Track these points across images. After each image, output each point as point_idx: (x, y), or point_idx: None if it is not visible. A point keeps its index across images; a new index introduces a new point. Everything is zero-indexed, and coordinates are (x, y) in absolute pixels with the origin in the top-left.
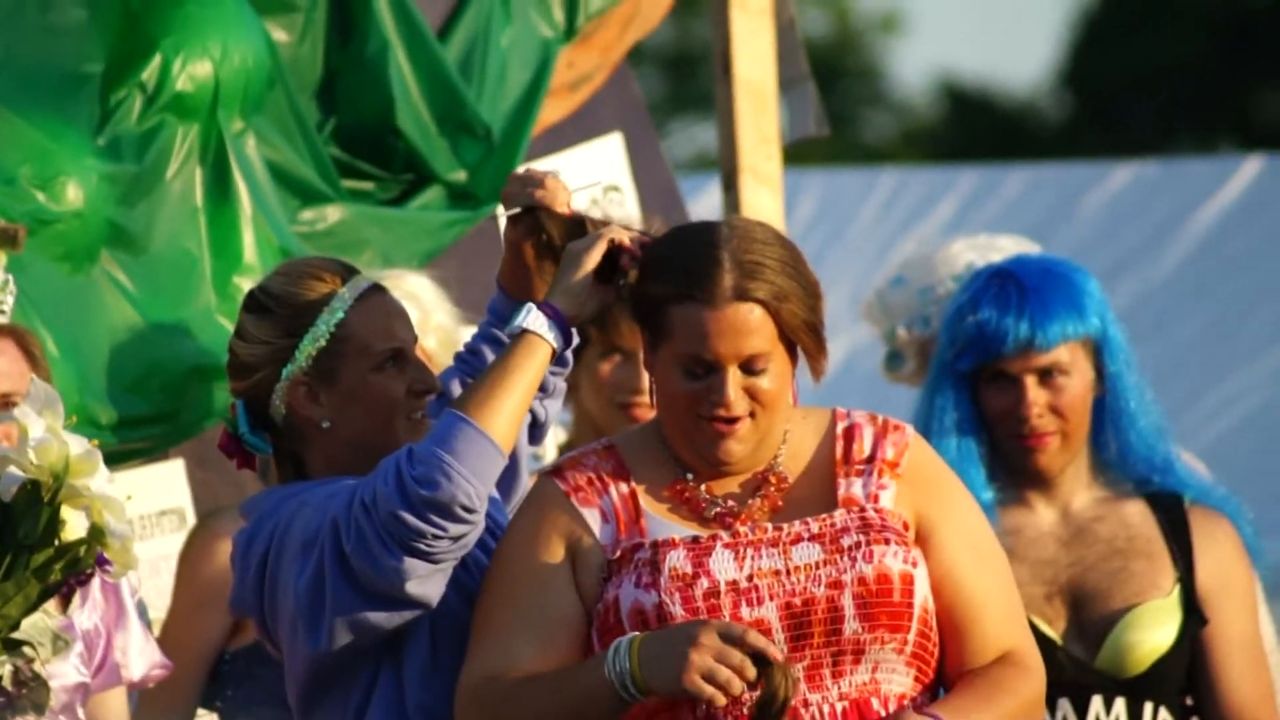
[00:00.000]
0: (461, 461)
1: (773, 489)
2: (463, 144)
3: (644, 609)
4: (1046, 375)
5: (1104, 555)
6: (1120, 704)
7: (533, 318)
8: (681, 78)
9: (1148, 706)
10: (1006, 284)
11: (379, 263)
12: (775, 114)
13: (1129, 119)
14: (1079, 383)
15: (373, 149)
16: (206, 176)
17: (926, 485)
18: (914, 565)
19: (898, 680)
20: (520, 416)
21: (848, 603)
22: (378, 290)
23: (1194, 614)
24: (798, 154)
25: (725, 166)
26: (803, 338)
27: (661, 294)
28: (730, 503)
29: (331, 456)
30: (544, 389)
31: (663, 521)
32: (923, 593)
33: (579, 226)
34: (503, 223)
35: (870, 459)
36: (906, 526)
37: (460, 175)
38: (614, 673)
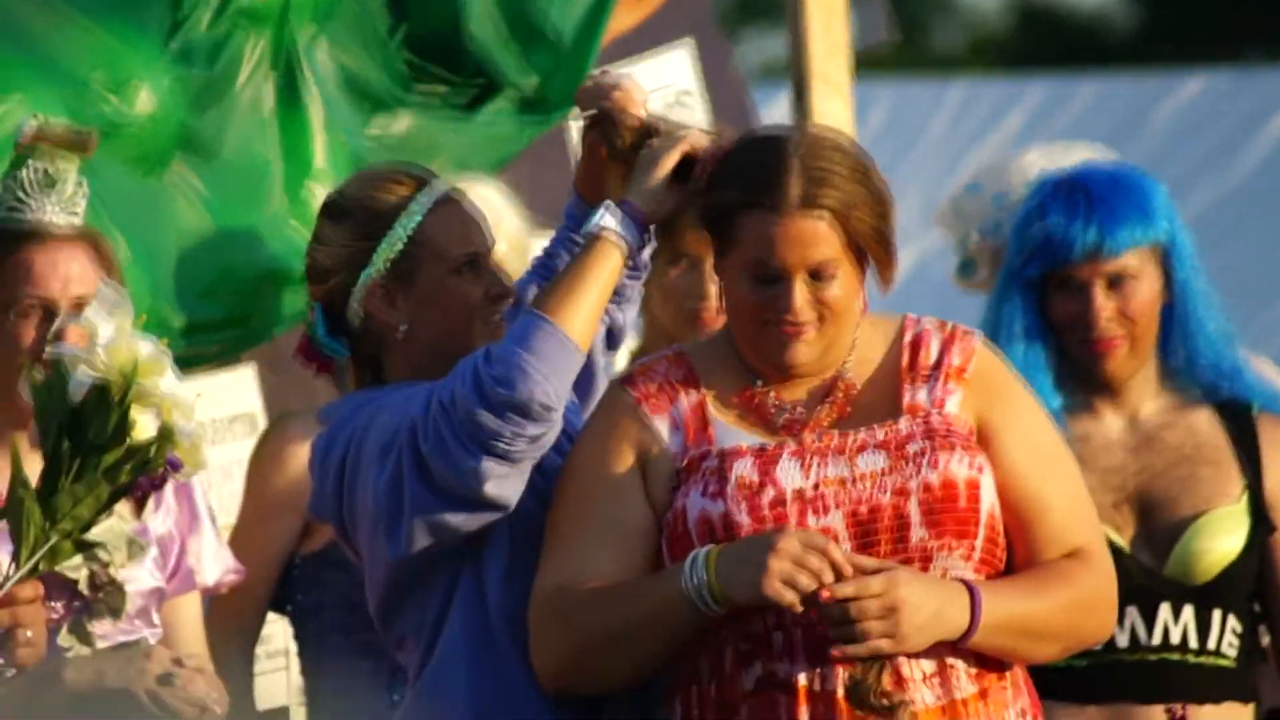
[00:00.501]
0: (539, 359)
1: (840, 396)
2: (534, 50)
3: (710, 518)
4: (1114, 281)
5: (1172, 462)
6: (1188, 611)
7: (607, 219)
8: None
9: (1216, 614)
10: (1074, 191)
11: (451, 169)
12: (846, 22)
13: (1199, 28)
14: (1147, 289)
15: (444, 55)
16: (278, 83)
17: (991, 390)
18: (979, 471)
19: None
20: (597, 316)
21: (914, 510)
22: (454, 196)
23: (1263, 521)
24: (868, 62)
25: (796, 75)
26: (871, 246)
27: (730, 201)
28: (798, 409)
29: (410, 361)
30: (619, 294)
31: (730, 429)
32: (989, 498)
33: (652, 133)
34: (577, 126)
35: (937, 365)
36: (972, 432)
37: (531, 81)
38: (690, 585)
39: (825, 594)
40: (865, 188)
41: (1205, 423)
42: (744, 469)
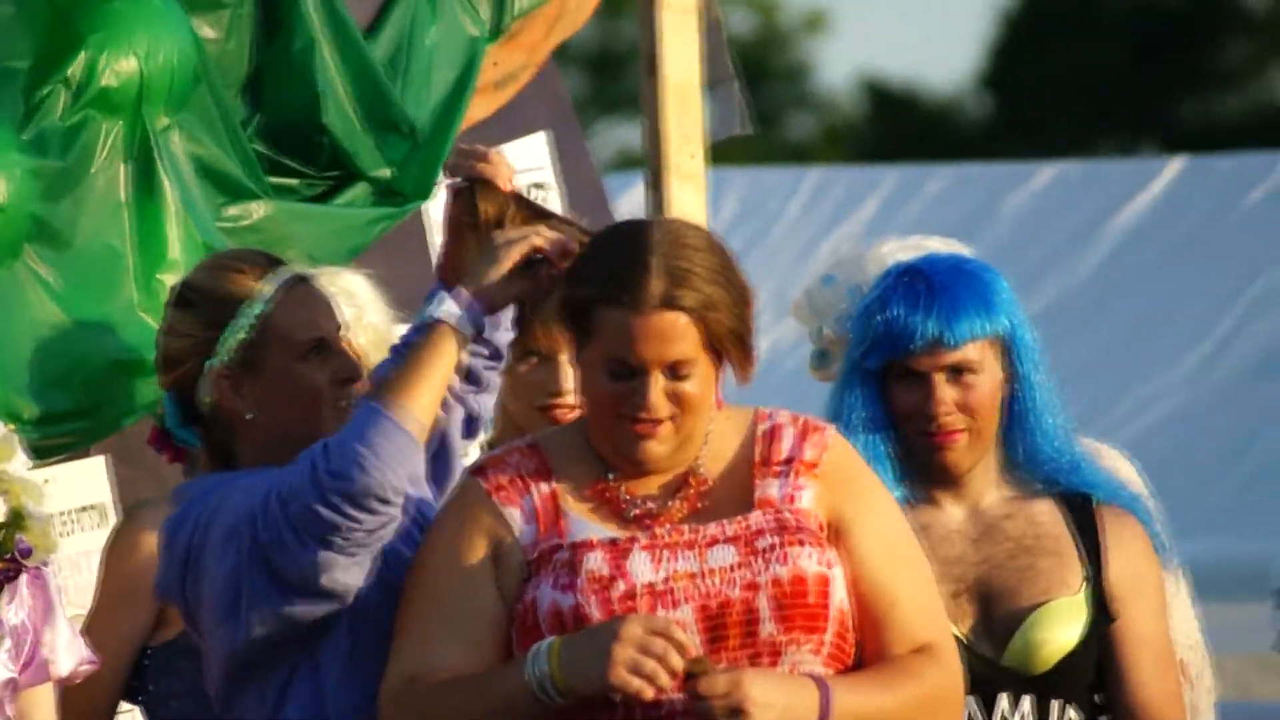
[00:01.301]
0: (375, 452)
1: (692, 490)
2: (389, 141)
3: (561, 610)
4: (955, 373)
5: (1012, 553)
6: (1027, 701)
7: (446, 306)
8: (607, 77)
9: (1055, 704)
10: (915, 281)
11: (304, 259)
12: (700, 113)
13: (1051, 122)
14: (988, 381)
15: (298, 145)
16: (131, 172)
17: (844, 484)
18: (829, 566)
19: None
20: (435, 404)
21: (763, 605)
22: (301, 281)
23: (1103, 611)
24: (723, 152)
25: (651, 165)
26: (728, 346)
27: (588, 295)
28: (650, 504)
29: (260, 447)
30: (477, 382)
31: (583, 522)
32: (839, 594)
33: (520, 205)
34: (434, 206)
35: (789, 460)
36: (823, 527)
37: (386, 172)
38: (534, 676)
39: (674, 684)
40: (725, 288)
41: (1046, 514)
42: (595, 562)
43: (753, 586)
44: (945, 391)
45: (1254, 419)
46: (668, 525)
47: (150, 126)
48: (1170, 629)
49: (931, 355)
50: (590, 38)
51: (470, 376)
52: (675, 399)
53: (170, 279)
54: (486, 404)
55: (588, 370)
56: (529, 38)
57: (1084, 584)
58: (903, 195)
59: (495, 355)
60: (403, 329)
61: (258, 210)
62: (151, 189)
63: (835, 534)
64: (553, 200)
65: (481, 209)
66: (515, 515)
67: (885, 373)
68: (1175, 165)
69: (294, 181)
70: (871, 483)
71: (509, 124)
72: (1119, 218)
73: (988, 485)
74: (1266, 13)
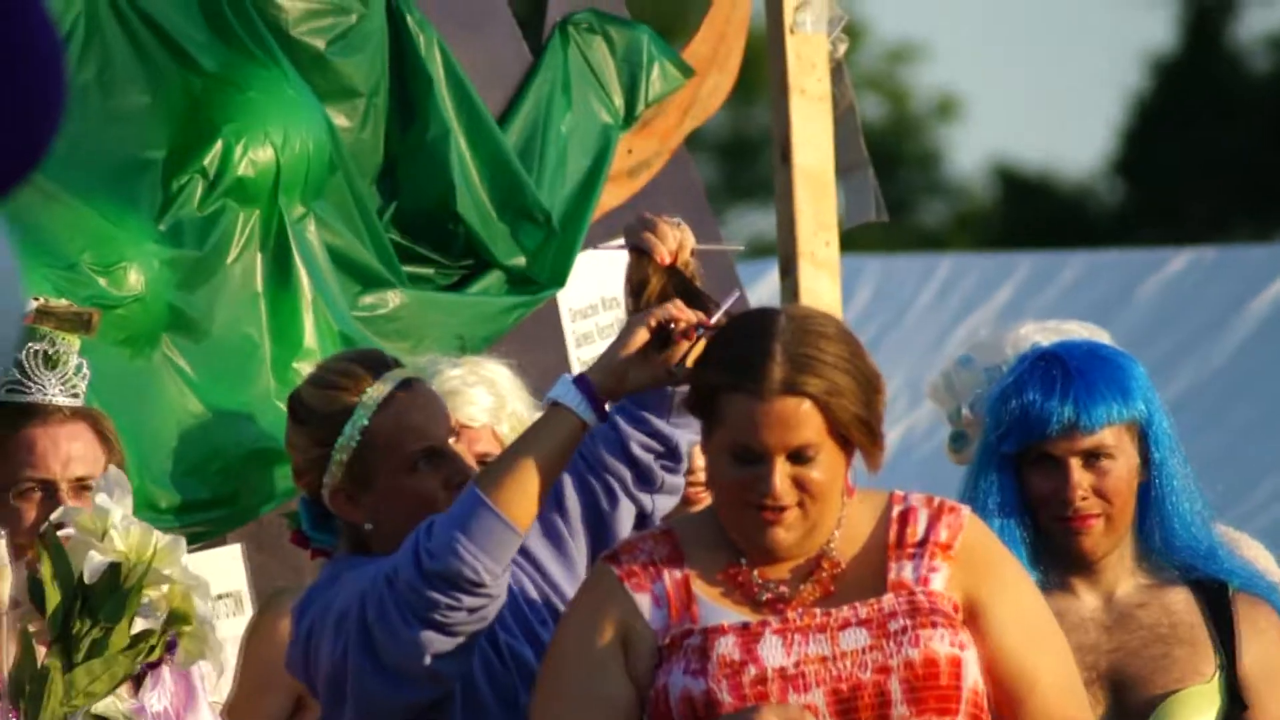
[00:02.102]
0: (472, 539)
1: (824, 573)
2: (523, 229)
3: (692, 696)
4: (1091, 458)
5: (1146, 641)
6: None
7: (564, 389)
8: (739, 164)
9: None
10: (1051, 366)
11: (439, 349)
12: (834, 200)
13: (1185, 207)
14: (1124, 466)
15: (433, 234)
16: (267, 261)
17: (978, 565)
18: (962, 648)
19: None
20: (539, 490)
21: (895, 687)
22: (407, 386)
23: (1236, 700)
24: (856, 239)
25: (784, 252)
26: (854, 433)
27: (714, 381)
28: (781, 588)
29: (387, 545)
30: (650, 481)
31: (714, 606)
32: (973, 675)
33: (673, 279)
34: (612, 253)
35: (923, 542)
36: (957, 608)
37: (520, 260)
38: None
39: None
40: (851, 375)
41: (1181, 602)
42: (726, 647)
43: (884, 669)
44: (1081, 476)
45: None
46: (799, 609)
47: (286, 215)
48: None
49: (1068, 440)
50: (723, 124)
51: (642, 474)
52: (800, 485)
53: (306, 367)
54: (664, 505)
55: (714, 457)
56: (662, 125)
57: (1217, 672)
58: (1036, 282)
59: (672, 455)
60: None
61: (393, 299)
62: (287, 278)
63: (971, 615)
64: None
65: (637, 280)
66: (645, 601)
67: (1021, 458)
68: None
69: (429, 270)
70: (1008, 562)
71: (642, 211)
72: (1255, 303)
73: (1123, 573)
74: None
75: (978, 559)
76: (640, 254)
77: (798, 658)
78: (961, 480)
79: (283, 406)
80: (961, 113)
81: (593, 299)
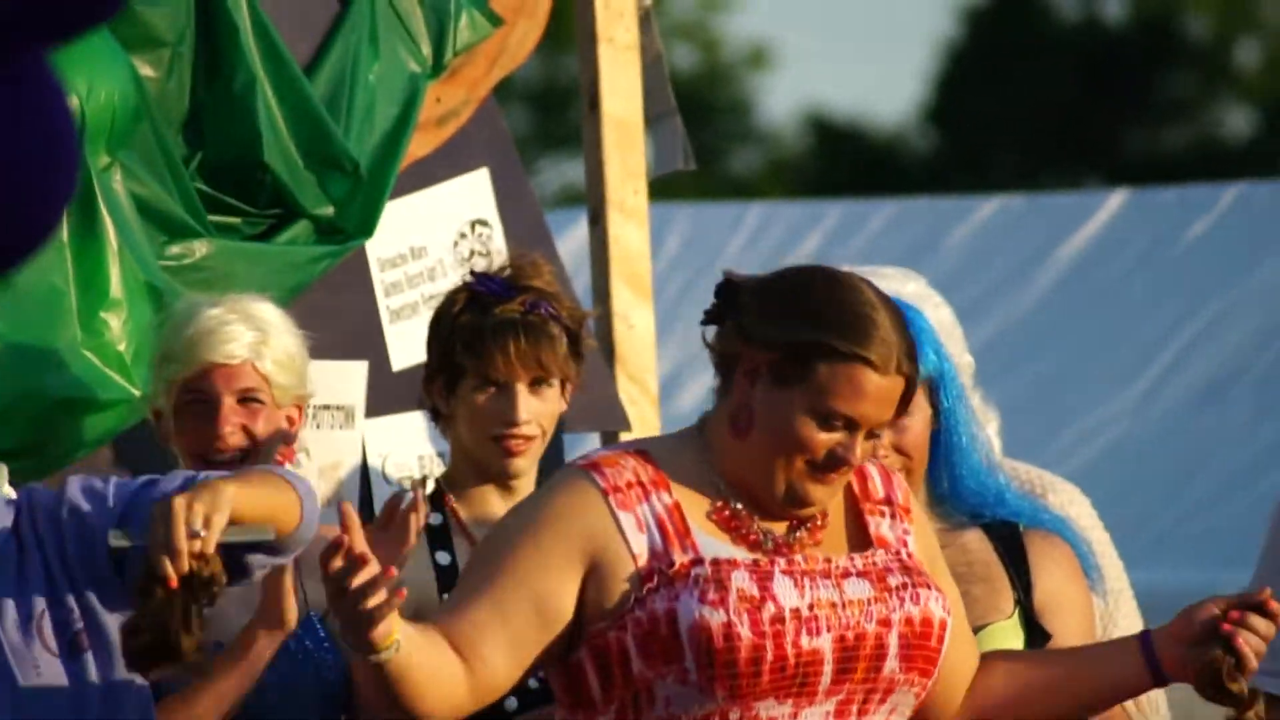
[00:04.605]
0: None
1: (816, 522)
2: (330, 179)
3: (709, 626)
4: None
5: None
6: None
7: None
8: (549, 113)
9: None
10: None
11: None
12: (642, 149)
13: (995, 155)
14: (920, 421)
15: (240, 184)
16: (73, 211)
17: (928, 537)
18: (948, 614)
19: None
20: None
21: (893, 641)
22: None
23: (1036, 631)
24: (665, 188)
25: (593, 201)
26: (901, 407)
27: (818, 343)
28: (777, 532)
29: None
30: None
31: (711, 540)
32: (947, 644)
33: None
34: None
35: (888, 500)
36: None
37: (328, 210)
38: None
39: None
40: (914, 352)
41: (975, 542)
42: (742, 581)
43: (886, 623)
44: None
45: (1197, 448)
46: (799, 554)
47: (91, 165)
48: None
49: None
50: (533, 73)
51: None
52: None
53: (112, 317)
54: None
55: (784, 410)
56: (470, 74)
57: (1016, 607)
58: (846, 230)
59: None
60: (323, 365)
61: (200, 249)
62: (93, 227)
63: None
64: (495, 237)
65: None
66: (629, 521)
67: None
68: (1118, 198)
69: (235, 220)
70: (938, 547)
71: (450, 161)
72: (1063, 250)
73: None
74: (1210, 45)
75: (926, 533)
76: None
77: (810, 600)
78: None
79: (90, 356)
80: (773, 61)
81: (401, 248)
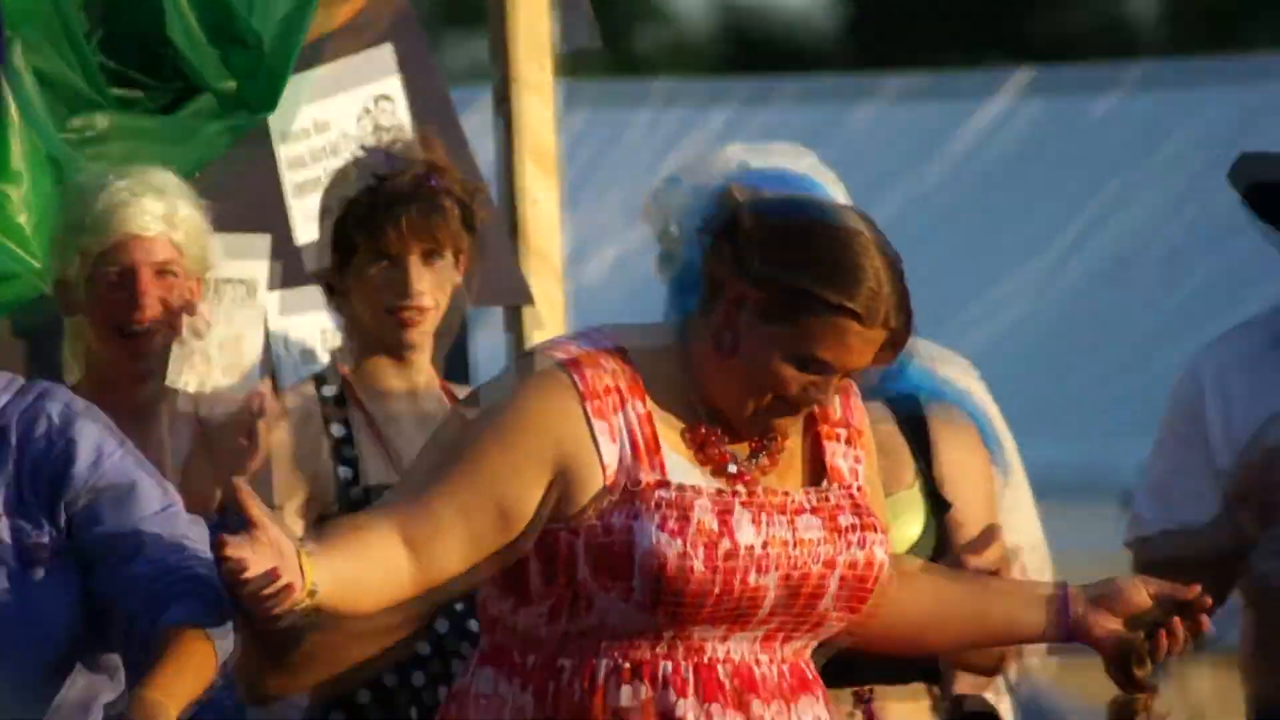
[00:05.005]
0: None
1: (774, 446)
2: (233, 53)
3: (665, 554)
4: None
5: None
6: None
7: None
8: None
9: None
10: None
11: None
12: (548, 24)
13: (900, 34)
14: None
15: (142, 58)
16: None
17: (874, 457)
18: (888, 554)
19: (813, 650)
20: None
21: (833, 583)
22: None
23: (937, 501)
24: (571, 65)
25: (498, 77)
26: (885, 353)
27: (808, 292)
28: (741, 458)
29: None
30: None
31: (680, 460)
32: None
33: None
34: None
35: (845, 423)
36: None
37: (231, 84)
38: None
39: None
40: (907, 311)
41: (877, 412)
42: (704, 513)
43: (830, 564)
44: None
45: (1099, 324)
46: (760, 486)
47: None
48: (999, 517)
49: None
50: None
51: None
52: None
53: (13, 190)
54: None
55: (762, 343)
56: None
57: (917, 477)
58: (750, 108)
59: None
60: (226, 237)
61: (101, 122)
62: None
63: None
64: (399, 112)
65: None
66: (603, 430)
67: None
68: (1023, 76)
69: (138, 94)
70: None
71: (354, 35)
72: (966, 128)
73: None
74: None
75: (873, 450)
76: None
77: (765, 538)
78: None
79: None
80: None
81: (304, 123)
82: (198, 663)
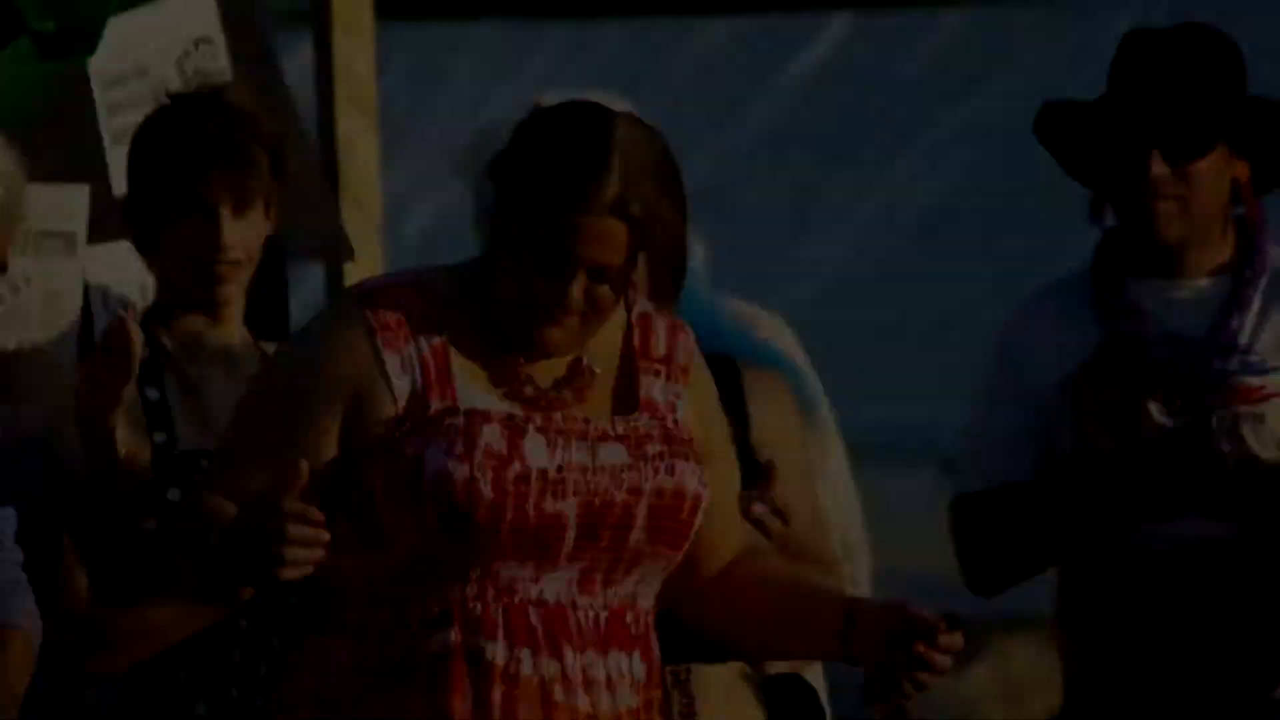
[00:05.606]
0: None
1: (581, 378)
2: None
3: (453, 478)
4: None
5: None
6: None
7: None
8: None
9: None
10: None
11: None
12: None
13: None
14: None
15: None
16: None
17: (708, 407)
18: (704, 487)
19: (648, 596)
20: None
21: (641, 512)
22: None
23: (752, 466)
24: (391, 7)
25: (317, 21)
26: (659, 268)
27: (536, 182)
28: (541, 385)
29: None
30: None
31: (473, 388)
32: (700, 519)
33: None
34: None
35: (668, 359)
36: (694, 441)
37: (49, 24)
38: None
39: None
40: (672, 198)
41: None
42: (492, 436)
43: (636, 492)
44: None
45: (919, 282)
46: (560, 412)
47: None
48: (813, 478)
49: None
50: None
51: None
52: (589, 299)
53: None
54: None
55: (513, 249)
56: None
57: (731, 442)
58: (570, 52)
59: None
60: (43, 188)
61: None
62: None
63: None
64: (219, 55)
65: None
66: (393, 363)
67: None
68: (842, 21)
69: None
70: (720, 413)
71: None
72: (786, 75)
73: None
74: None
75: (706, 400)
76: None
77: (560, 462)
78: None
79: None
80: None
81: (124, 67)
82: (16, 660)
